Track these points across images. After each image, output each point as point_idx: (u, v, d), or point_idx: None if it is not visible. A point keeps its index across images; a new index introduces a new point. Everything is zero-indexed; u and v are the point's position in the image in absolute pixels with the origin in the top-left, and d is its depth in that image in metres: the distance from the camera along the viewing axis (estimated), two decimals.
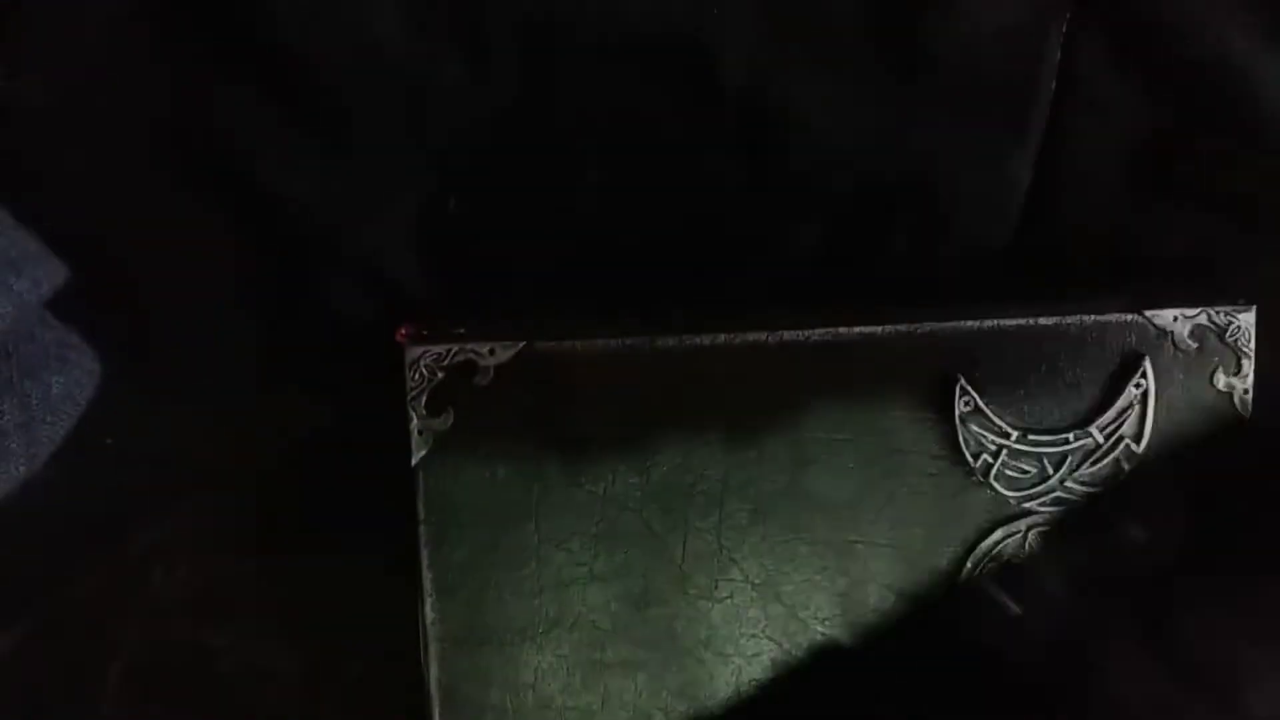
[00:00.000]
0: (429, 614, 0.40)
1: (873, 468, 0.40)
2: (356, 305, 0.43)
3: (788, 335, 0.40)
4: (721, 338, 0.40)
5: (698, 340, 0.40)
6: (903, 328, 0.40)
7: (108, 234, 0.43)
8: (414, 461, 0.40)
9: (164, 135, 0.42)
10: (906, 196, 0.43)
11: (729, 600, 0.41)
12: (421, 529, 0.40)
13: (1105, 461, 0.40)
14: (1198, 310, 0.40)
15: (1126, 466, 0.40)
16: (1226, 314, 0.40)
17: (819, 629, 0.41)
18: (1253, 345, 0.40)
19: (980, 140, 0.43)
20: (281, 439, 0.43)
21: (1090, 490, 0.40)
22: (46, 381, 0.41)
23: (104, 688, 0.43)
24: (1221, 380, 0.40)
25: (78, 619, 0.43)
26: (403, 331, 0.40)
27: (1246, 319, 0.40)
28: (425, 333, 0.40)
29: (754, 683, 0.41)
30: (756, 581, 0.41)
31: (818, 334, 0.40)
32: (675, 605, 0.41)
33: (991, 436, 0.40)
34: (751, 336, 0.40)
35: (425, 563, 0.40)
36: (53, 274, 0.42)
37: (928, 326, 0.40)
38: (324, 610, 0.43)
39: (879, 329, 0.40)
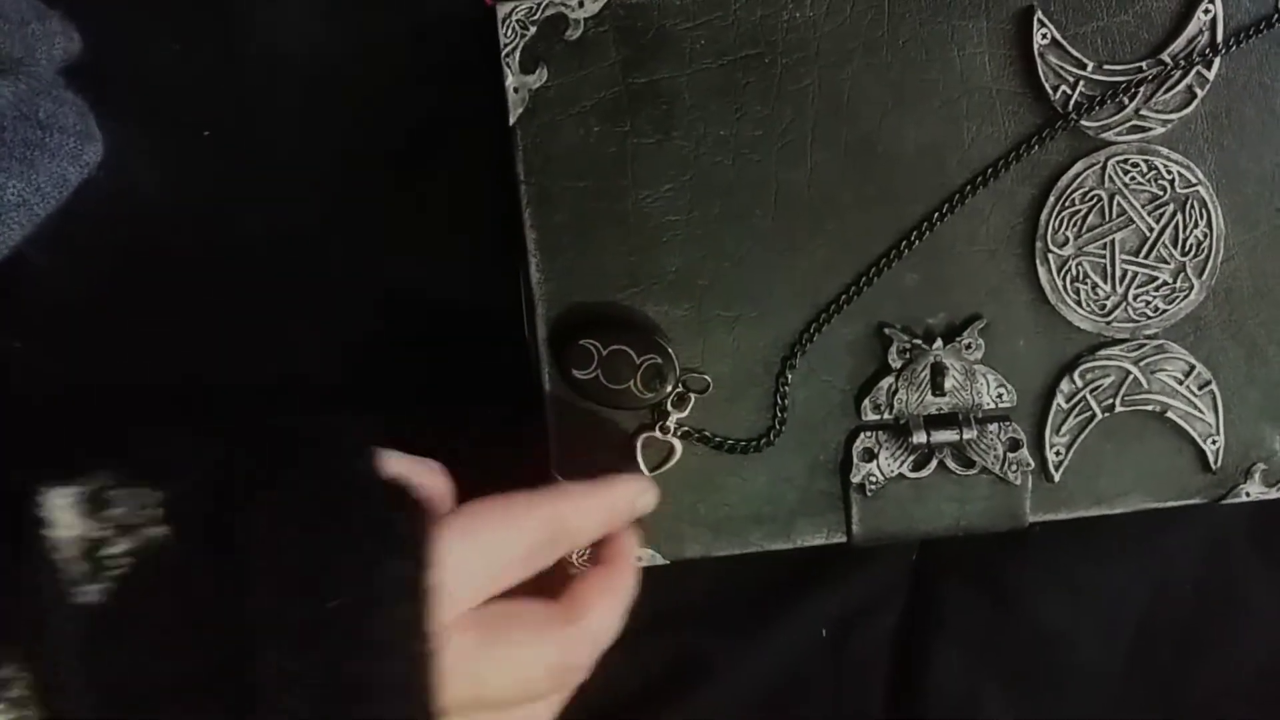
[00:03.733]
0: (534, 274, 0.41)
1: (956, 107, 0.41)
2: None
3: None
4: None
5: None
6: None
7: None
8: (511, 121, 0.41)
9: None
10: None
11: (820, 252, 0.42)
12: (522, 189, 0.41)
13: (1179, 88, 0.42)
14: None
15: (1199, 92, 0.42)
16: None
17: (910, 277, 0.42)
18: None
19: None
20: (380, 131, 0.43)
21: (1164, 117, 0.42)
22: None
23: None
24: None
25: None
26: None
27: None
28: None
29: (847, 335, 0.43)
30: (846, 235, 0.42)
31: None
32: (768, 258, 0.42)
33: (1069, 68, 0.41)
34: None
35: (528, 223, 0.41)
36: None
37: None
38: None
39: None
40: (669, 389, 0.42)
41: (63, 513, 0.30)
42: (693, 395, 0.42)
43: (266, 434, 0.33)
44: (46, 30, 0.39)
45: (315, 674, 0.30)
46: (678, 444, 0.43)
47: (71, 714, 0.29)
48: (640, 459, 0.43)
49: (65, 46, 0.40)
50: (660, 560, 0.43)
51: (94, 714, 0.29)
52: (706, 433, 0.43)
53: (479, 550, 0.33)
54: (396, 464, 0.34)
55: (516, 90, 0.41)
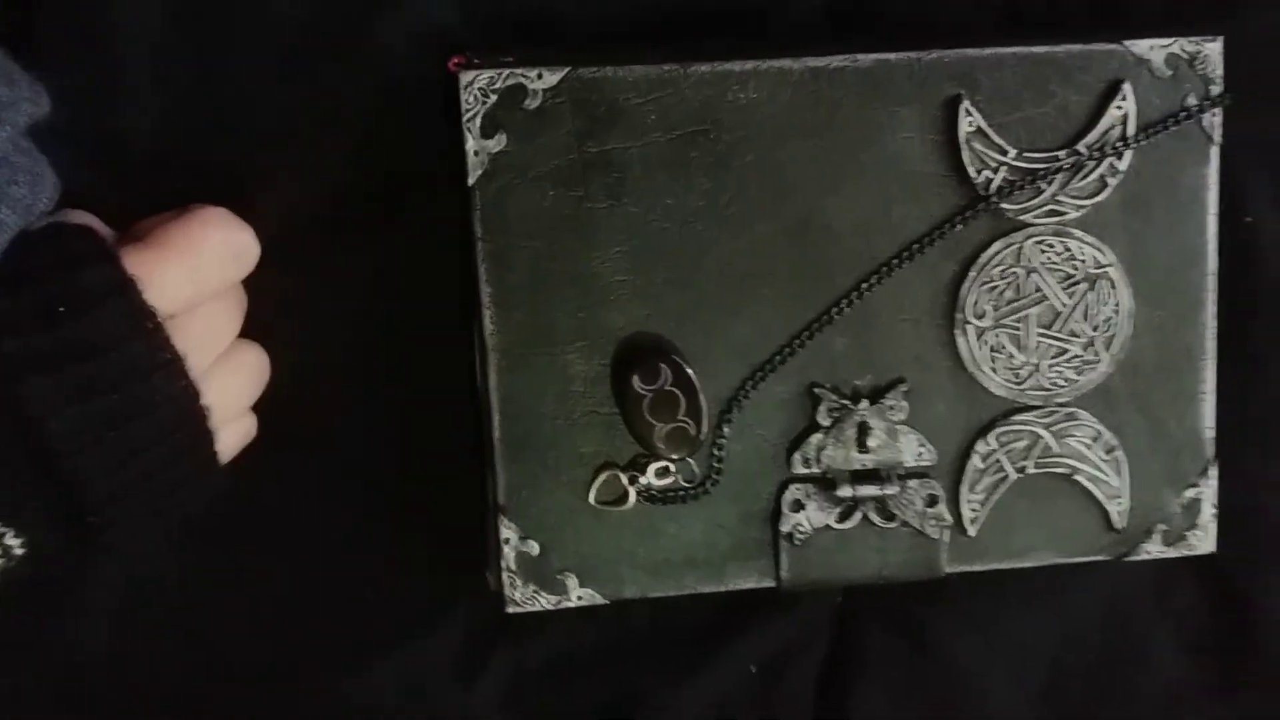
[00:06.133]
0: (487, 326, 0.44)
1: (886, 188, 0.44)
2: (405, 56, 0.45)
3: (812, 62, 0.43)
4: (751, 64, 0.43)
5: (730, 66, 0.43)
6: (913, 54, 0.44)
7: None
8: (470, 182, 0.43)
9: None
10: None
11: (757, 316, 0.45)
12: (479, 246, 0.44)
13: (1093, 176, 0.45)
14: (1171, 40, 0.45)
15: (1111, 181, 0.45)
16: (1196, 44, 0.45)
17: (840, 342, 0.45)
18: (1220, 73, 0.45)
19: None
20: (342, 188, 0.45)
21: (1079, 202, 0.45)
22: None
23: None
24: (1192, 103, 0.45)
25: None
26: (455, 61, 0.43)
27: (1214, 49, 0.45)
28: (477, 61, 0.43)
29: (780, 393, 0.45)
30: (781, 301, 0.45)
31: (838, 60, 0.44)
32: (709, 319, 0.45)
33: (992, 154, 0.44)
34: (779, 63, 0.43)
35: (483, 279, 0.44)
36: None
37: (935, 53, 0.44)
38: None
39: (892, 56, 0.44)
40: (675, 457, 0.44)
41: None
42: (673, 474, 0.45)
43: None
44: (14, 96, 0.39)
45: (69, 364, 0.36)
46: (633, 494, 0.45)
47: None
48: (593, 490, 0.45)
49: (31, 111, 0.40)
50: (600, 600, 0.45)
51: None
52: (656, 493, 0.45)
53: (172, 260, 0.40)
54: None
55: (476, 154, 0.43)
